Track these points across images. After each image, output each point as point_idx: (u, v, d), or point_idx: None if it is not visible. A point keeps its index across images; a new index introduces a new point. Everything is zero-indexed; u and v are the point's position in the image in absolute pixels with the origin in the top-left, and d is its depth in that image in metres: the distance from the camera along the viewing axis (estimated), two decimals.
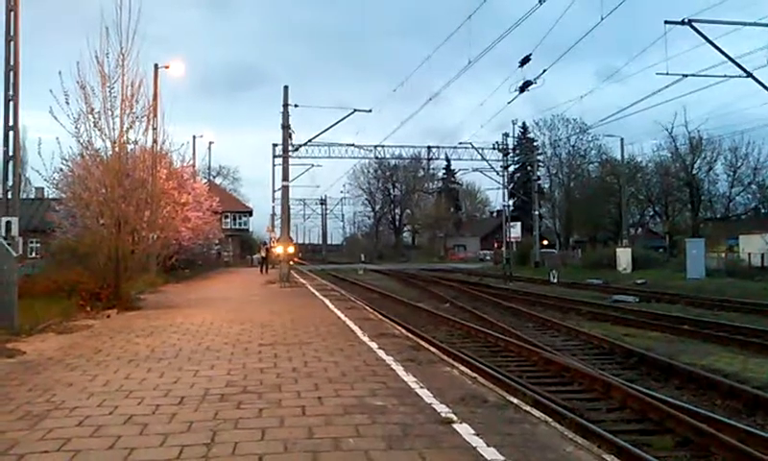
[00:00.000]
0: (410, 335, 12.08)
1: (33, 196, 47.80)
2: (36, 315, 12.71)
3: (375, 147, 50.45)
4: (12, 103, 11.93)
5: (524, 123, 73.99)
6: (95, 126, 16.42)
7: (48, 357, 9.09)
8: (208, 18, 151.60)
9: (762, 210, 59.77)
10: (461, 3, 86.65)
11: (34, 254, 39.37)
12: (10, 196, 11.98)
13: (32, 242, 42.25)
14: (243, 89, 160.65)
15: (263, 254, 45.01)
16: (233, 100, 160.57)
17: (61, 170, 18.47)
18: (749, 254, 40.08)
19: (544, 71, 26.27)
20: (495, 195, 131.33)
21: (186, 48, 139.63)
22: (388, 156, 55.30)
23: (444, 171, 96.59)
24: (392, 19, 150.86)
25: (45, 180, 18.59)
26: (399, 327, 13.37)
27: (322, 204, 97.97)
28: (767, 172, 59.00)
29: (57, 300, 15.17)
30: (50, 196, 26.92)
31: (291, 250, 76.38)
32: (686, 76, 24.27)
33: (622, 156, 54.45)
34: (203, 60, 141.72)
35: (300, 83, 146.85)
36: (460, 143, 52.46)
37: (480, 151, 50.98)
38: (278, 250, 71.27)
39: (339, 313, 15.32)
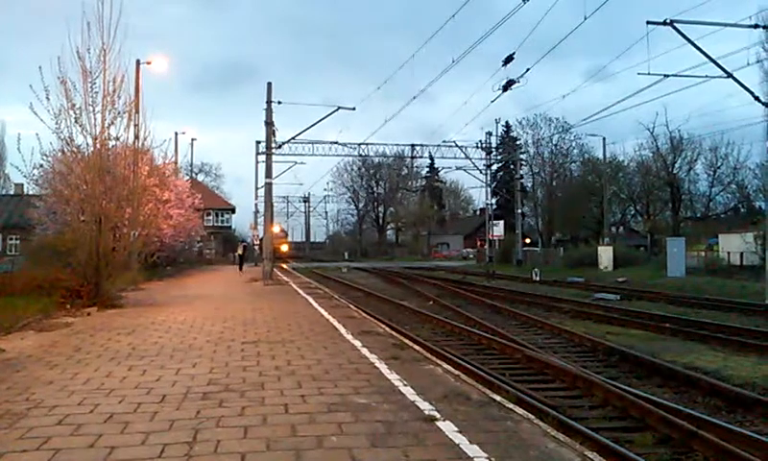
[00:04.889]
0: (394, 333, 12.08)
1: (12, 192, 47.34)
2: (16, 313, 12.59)
3: (359, 145, 50.49)
4: None
5: (507, 122, 74.37)
6: (76, 122, 16.29)
7: (27, 355, 8.99)
8: (198, 13, 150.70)
9: (742, 210, 60.38)
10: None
11: (13, 251, 39.08)
12: None
13: (11, 239, 42.03)
14: (230, 86, 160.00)
15: (240, 251, 44.69)
16: (221, 96, 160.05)
17: (41, 166, 18.30)
18: (728, 253, 40.52)
19: (528, 70, 26.48)
20: (479, 193, 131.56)
21: (176, 43, 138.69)
22: (372, 153, 55.33)
23: (427, 169, 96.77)
24: (381, 16, 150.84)
25: (25, 176, 18.39)
26: (383, 325, 13.37)
27: (305, 201, 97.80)
28: (747, 172, 59.66)
29: (36, 297, 15.04)
30: (30, 192, 26.64)
31: (285, 248, 76.07)
32: (668, 76, 24.48)
33: (604, 155, 54.96)
34: (191, 56, 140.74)
35: (288, 79, 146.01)
36: (444, 141, 52.69)
37: (464, 149, 51.21)
38: (284, 248, 70.82)
39: (322, 311, 15.30)
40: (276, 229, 62.55)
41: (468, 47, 36.19)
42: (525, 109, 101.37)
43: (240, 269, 41.26)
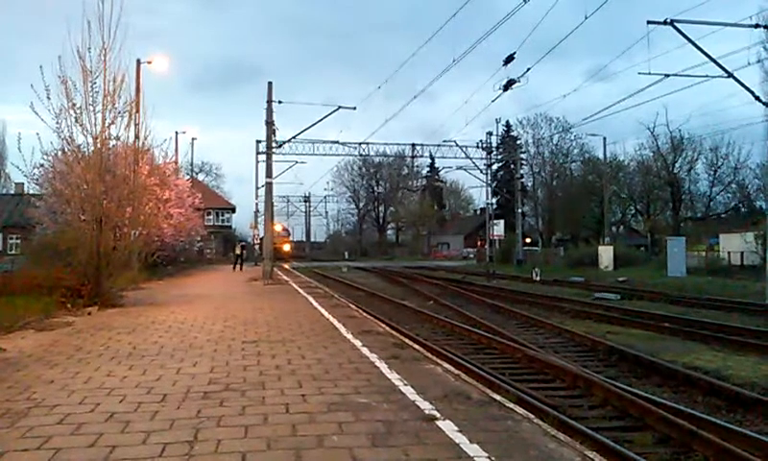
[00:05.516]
0: (394, 333, 12.08)
1: (12, 192, 47.38)
2: (16, 312, 12.58)
3: (360, 144, 50.51)
4: None
5: (508, 121, 74.42)
6: (76, 121, 16.28)
7: (28, 355, 9.00)
8: (199, 13, 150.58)
9: (742, 210, 60.41)
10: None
11: (13, 251, 39.11)
12: None
13: (11, 238, 42.05)
14: (231, 85, 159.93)
15: (237, 251, 44.51)
16: (221, 96, 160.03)
17: (42, 166, 18.30)
18: (729, 252, 40.53)
19: (528, 70, 26.53)
20: (479, 193, 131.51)
21: (176, 43, 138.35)
22: (372, 153, 55.36)
23: (428, 169, 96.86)
24: (382, 15, 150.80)
25: (25, 175, 18.39)
26: (383, 325, 13.36)
27: (305, 201, 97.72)
28: (747, 171, 59.74)
29: (37, 297, 15.02)
30: (30, 192, 26.67)
31: (287, 247, 75.63)
32: (668, 76, 24.52)
33: (605, 154, 55.04)
34: (192, 56, 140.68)
35: (288, 79, 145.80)
36: (444, 141, 52.75)
37: (464, 149, 51.25)
38: (286, 247, 70.66)
39: (323, 310, 15.30)
40: (277, 227, 62.28)
41: (469, 47, 36.30)
42: (526, 109, 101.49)
43: (234, 268, 41.25)
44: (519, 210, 56.58)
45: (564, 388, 9.67)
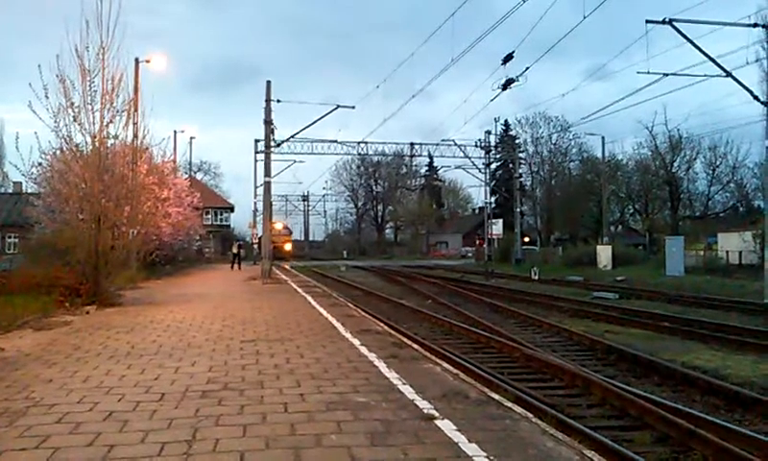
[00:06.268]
0: (392, 332, 12.07)
1: (11, 191, 47.36)
2: (15, 311, 12.58)
3: (358, 143, 50.51)
4: None
5: (506, 120, 74.35)
6: (75, 120, 16.29)
7: (26, 354, 8.99)
8: (198, 12, 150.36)
9: (741, 209, 60.46)
10: None
11: (12, 250, 39.06)
12: None
13: (10, 237, 41.96)
14: (230, 85, 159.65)
15: (235, 250, 44.44)
16: (220, 95, 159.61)
17: (40, 165, 18.27)
18: (727, 252, 40.55)
19: (527, 69, 26.51)
20: (478, 192, 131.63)
21: (175, 42, 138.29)
22: (371, 152, 55.37)
23: (426, 168, 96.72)
24: (381, 15, 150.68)
25: (23, 174, 18.35)
26: (382, 324, 13.36)
27: (304, 200, 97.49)
28: (745, 171, 59.77)
29: (35, 296, 15.02)
30: (28, 191, 26.59)
31: (288, 247, 74.18)
32: (667, 75, 24.57)
33: (603, 154, 54.96)
34: (191, 55, 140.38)
35: (288, 79, 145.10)
36: (443, 140, 52.77)
37: (463, 148, 51.24)
38: (287, 247, 69.31)
39: (321, 310, 15.29)
40: (278, 225, 61.72)
41: (468, 46, 36.19)
42: (524, 108, 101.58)
43: (232, 268, 41.25)
44: (518, 209, 56.55)
45: (563, 387, 9.67)
